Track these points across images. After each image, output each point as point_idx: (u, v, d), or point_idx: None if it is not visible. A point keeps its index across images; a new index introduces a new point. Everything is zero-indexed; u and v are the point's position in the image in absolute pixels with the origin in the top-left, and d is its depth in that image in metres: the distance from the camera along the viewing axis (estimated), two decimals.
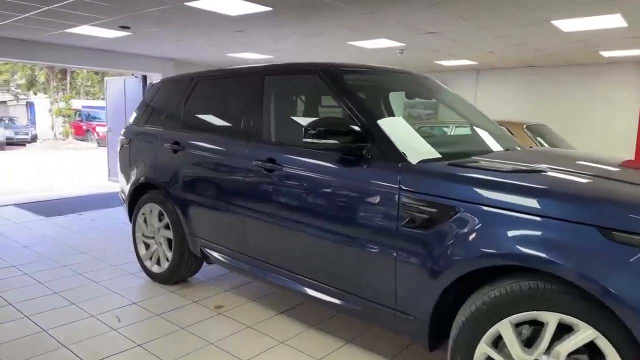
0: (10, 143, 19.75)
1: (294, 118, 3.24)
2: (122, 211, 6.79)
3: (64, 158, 16.27)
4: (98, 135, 22.42)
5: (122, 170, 4.39)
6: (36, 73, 21.41)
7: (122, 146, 4.37)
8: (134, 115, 4.40)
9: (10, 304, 3.46)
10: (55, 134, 21.58)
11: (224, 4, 4.41)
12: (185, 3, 4.32)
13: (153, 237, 3.97)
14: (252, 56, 7.70)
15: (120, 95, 9.39)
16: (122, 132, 4.44)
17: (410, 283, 2.25)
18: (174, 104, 3.92)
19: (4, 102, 28.69)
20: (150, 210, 3.93)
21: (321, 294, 2.70)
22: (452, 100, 3.49)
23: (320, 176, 2.62)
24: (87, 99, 26.67)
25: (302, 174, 2.74)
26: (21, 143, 20.74)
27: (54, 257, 4.56)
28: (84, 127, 23.09)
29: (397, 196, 2.27)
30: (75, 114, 22.83)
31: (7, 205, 7.06)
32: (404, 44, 6.32)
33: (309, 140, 2.49)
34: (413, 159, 2.35)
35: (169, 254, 3.80)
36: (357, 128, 2.48)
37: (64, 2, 4.37)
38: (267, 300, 3.60)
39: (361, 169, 2.46)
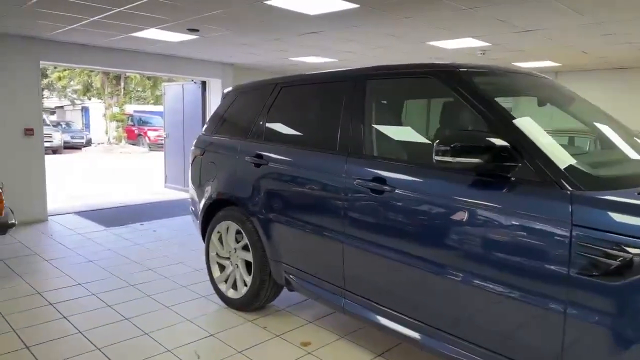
0: (67, 147, 20.30)
1: (406, 128, 2.77)
2: (183, 221, 6.55)
3: (118, 162, 16.47)
4: (149, 139, 22.78)
5: (193, 182, 4.06)
6: (92, 79, 21.97)
7: (194, 157, 4.04)
8: (208, 124, 4.07)
9: (79, 331, 3.16)
10: (109, 138, 22.04)
11: (306, 2, 4.01)
12: (265, 2, 3.95)
13: (229, 258, 3.60)
14: (316, 60, 7.31)
15: (178, 101, 9.24)
16: (195, 142, 4.11)
17: (585, 349, 1.74)
18: (254, 112, 3.54)
19: (62, 107, 29.78)
20: (227, 228, 3.56)
21: (443, 343, 2.22)
22: (585, 106, 2.92)
23: (453, 203, 2.13)
24: (138, 104, 27.26)
25: (424, 198, 2.27)
26: (76, 147, 21.28)
27: (120, 275, 4.28)
28: (136, 132, 23.49)
29: (568, 234, 1.76)
30: (128, 119, 23.27)
31: (68, 214, 6.95)
32: (489, 44, 5.74)
33: (442, 158, 2.02)
34: (586, 185, 1.84)
35: (247, 279, 3.42)
36: (503, 143, 1.99)
37: (136, 3, 4.09)
38: (360, 337, 3.14)
39: (508, 194, 1.97)
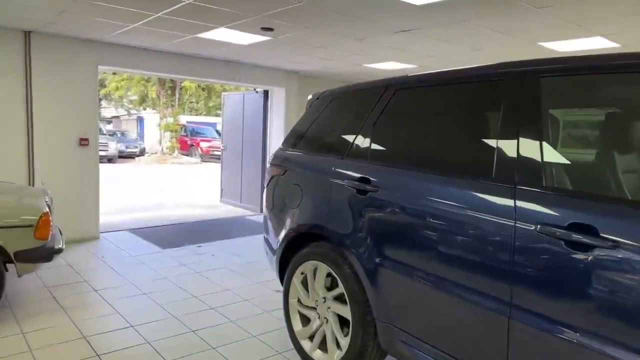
0: (121, 156, 20.41)
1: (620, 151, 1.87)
2: (242, 244, 5.87)
3: (171, 172, 16.23)
4: (202, 150, 22.68)
5: (270, 208, 3.32)
6: (148, 89, 22.15)
7: (272, 177, 3.31)
8: (289, 137, 3.33)
9: None
10: (162, 148, 22.07)
11: None
12: None
13: (315, 309, 2.82)
14: (393, 66, 6.52)
15: (237, 112, 8.67)
16: (272, 158, 3.39)
17: None
18: (354, 123, 2.76)
19: (118, 117, 30.40)
20: (314, 270, 2.79)
21: None
22: None
23: None
24: (191, 115, 27.36)
25: None
26: (131, 156, 21.40)
27: (179, 315, 3.58)
28: (189, 142, 23.47)
29: None
30: (181, 129, 23.28)
31: (121, 230, 6.42)
32: (621, 45, 4.75)
33: None
34: None
35: (343, 340, 2.61)
36: None
37: None
38: None
39: None
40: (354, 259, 2.47)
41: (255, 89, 8.05)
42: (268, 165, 3.42)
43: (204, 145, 22.95)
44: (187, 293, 4.06)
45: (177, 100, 22.13)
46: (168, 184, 12.70)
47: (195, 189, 11.72)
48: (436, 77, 2.44)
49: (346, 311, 2.57)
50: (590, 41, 4.61)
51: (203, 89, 23.18)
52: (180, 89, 22.06)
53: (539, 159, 1.81)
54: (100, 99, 12.73)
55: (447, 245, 2.06)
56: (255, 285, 4.32)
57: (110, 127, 27.66)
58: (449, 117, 2.34)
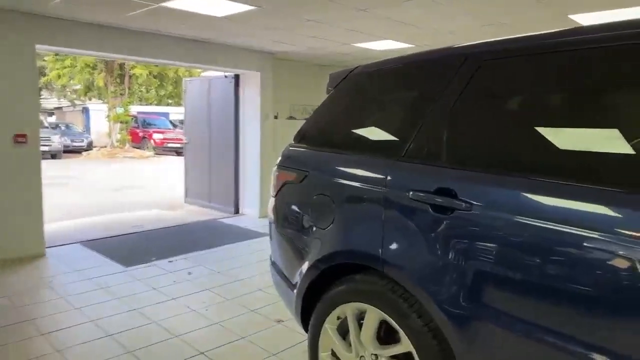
0: (67, 150, 18.76)
1: None
2: (223, 255, 5.00)
3: (125, 168, 14.90)
4: (155, 142, 21.32)
5: (280, 225, 2.51)
6: (94, 77, 20.36)
7: (283, 184, 2.48)
8: (306, 129, 2.51)
9: None
10: (112, 141, 20.45)
11: None
12: None
13: None
14: (387, 46, 5.75)
15: (202, 100, 7.67)
16: (280, 159, 2.56)
17: None
18: (416, 110, 1.99)
19: (61, 108, 28.16)
20: (359, 315, 2.02)
21: None
22: None
23: None
24: (141, 105, 25.63)
25: None
26: (77, 150, 19.75)
27: None
28: (140, 134, 22.00)
29: None
30: (132, 120, 21.75)
31: (73, 243, 5.37)
32: None
33: None
34: None
35: None
36: None
37: None
38: None
39: None
40: (434, 306, 1.71)
41: (225, 74, 7.09)
42: (275, 168, 2.58)
43: (157, 137, 21.62)
44: (167, 334, 3.17)
45: (127, 89, 20.51)
46: (122, 181, 11.47)
47: (153, 186, 10.60)
48: (559, 39, 1.66)
49: None
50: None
51: (154, 76, 21.61)
52: (130, 76, 20.45)
53: None
54: (40, 89, 11.27)
55: (595, 290, 1.33)
56: (254, 317, 3.48)
57: (53, 119, 25.59)
58: (587, 99, 1.59)
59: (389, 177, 1.90)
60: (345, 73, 2.41)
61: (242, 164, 7.13)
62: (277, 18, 4.54)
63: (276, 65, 7.00)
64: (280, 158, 2.58)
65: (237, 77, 7.00)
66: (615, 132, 1.50)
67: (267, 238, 2.66)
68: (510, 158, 1.66)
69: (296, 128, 2.60)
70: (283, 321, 3.32)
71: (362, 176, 2.04)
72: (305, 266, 2.23)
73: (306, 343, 2.30)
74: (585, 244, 1.33)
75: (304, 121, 2.58)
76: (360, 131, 2.26)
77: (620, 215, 1.30)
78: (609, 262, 1.29)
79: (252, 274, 4.39)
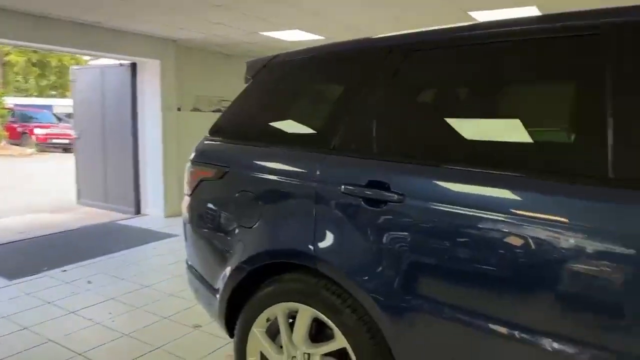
0: None
1: None
2: (124, 260, 4.60)
3: (2, 167, 13.26)
4: (38, 138, 19.27)
5: (197, 225, 2.33)
6: None
7: (198, 182, 2.30)
8: (226, 122, 2.34)
9: None
10: None
11: None
12: None
13: None
14: (295, 37, 5.64)
15: (94, 90, 7.01)
16: (194, 154, 2.37)
17: None
18: (342, 101, 1.93)
19: None
20: (288, 314, 1.93)
21: None
22: None
23: None
24: (19, 96, 23.02)
25: None
26: None
27: None
28: (19, 130, 19.75)
29: None
30: (8, 114, 19.44)
31: None
32: None
33: None
34: None
35: None
36: None
37: None
38: None
39: None
40: (370, 302, 1.66)
41: (120, 62, 6.53)
42: (189, 165, 2.38)
43: (39, 132, 19.49)
44: (69, 351, 2.82)
45: (0, 78, 18.29)
46: (0, 183, 10.18)
47: (39, 187, 9.55)
48: (487, 31, 1.66)
49: None
50: None
51: (34, 64, 19.51)
52: (4, 64, 18.25)
53: None
54: None
55: (531, 277, 1.38)
56: (164, 322, 3.24)
57: None
58: (511, 89, 1.64)
59: (318, 172, 1.83)
60: (264, 61, 2.28)
61: (143, 159, 6.63)
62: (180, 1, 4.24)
63: (179, 54, 6.60)
64: (193, 153, 2.39)
65: (134, 66, 6.49)
66: (518, 122, 1.58)
67: (175, 239, 2.48)
68: (438, 149, 1.66)
69: (202, 120, 2.42)
70: (201, 326, 3.12)
71: (289, 171, 1.94)
72: (228, 269, 2.09)
73: (229, 347, 2.17)
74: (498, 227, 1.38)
75: (211, 113, 2.42)
76: (285, 123, 2.15)
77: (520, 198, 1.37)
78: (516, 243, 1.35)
79: (160, 279, 4.09)
